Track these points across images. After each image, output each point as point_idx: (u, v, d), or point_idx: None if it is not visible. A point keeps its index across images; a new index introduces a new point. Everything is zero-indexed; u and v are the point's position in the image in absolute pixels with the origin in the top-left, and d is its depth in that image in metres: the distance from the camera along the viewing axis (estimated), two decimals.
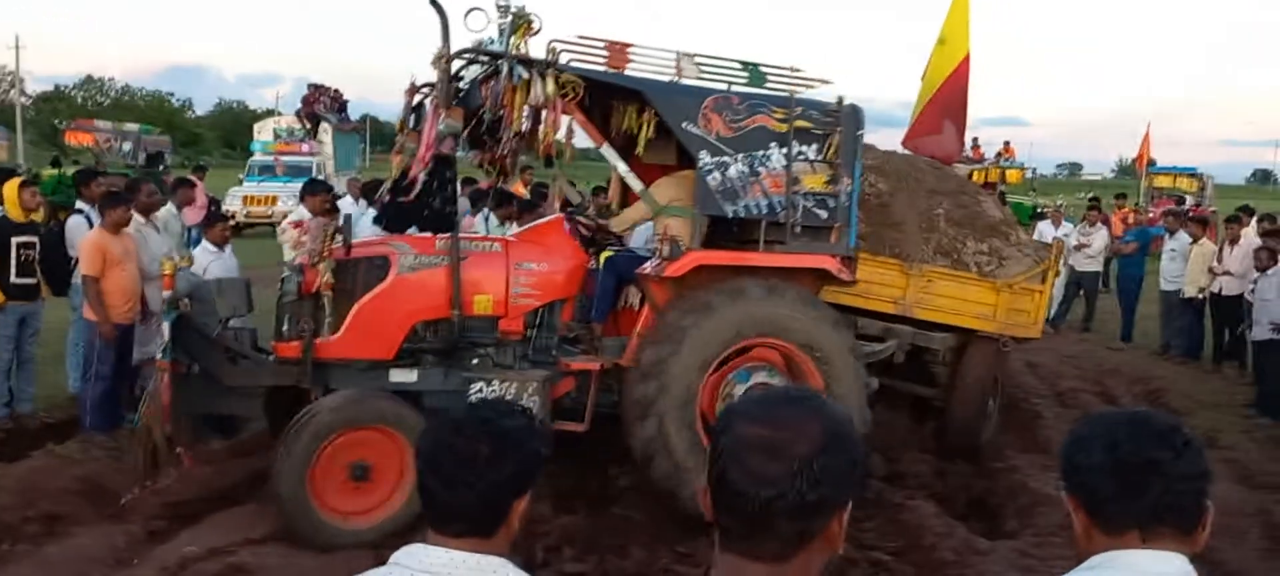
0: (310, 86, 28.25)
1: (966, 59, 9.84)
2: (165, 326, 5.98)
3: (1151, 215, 21.22)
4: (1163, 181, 28.31)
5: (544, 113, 6.05)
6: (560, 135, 6.21)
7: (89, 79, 68.46)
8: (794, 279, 6.65)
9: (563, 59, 6.15)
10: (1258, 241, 11.50)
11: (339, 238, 6.28)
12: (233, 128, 68.41)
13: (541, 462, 1.90)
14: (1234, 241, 11.88)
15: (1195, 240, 12.54)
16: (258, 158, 25.30)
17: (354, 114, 29.18)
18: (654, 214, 6.82)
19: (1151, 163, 28.31)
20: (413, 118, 6.77)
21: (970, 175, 16.08)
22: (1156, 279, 13.78)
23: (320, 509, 5.81)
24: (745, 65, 6.56)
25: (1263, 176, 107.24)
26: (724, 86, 6.45)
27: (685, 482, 6.13)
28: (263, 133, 26.76)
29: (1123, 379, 11.26)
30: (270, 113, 33.97)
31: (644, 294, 6.68)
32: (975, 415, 8.13)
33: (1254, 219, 13.94)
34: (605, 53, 6.24)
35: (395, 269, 6.36)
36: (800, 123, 6.51)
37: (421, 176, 5.93)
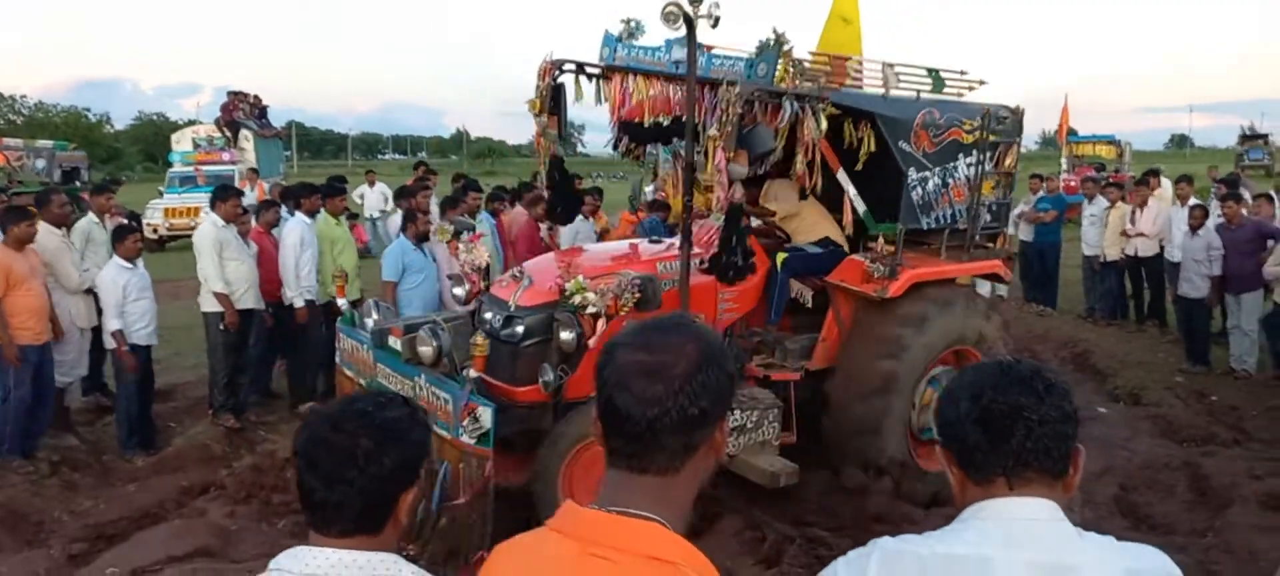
0: (230, 94, 27.75)
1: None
2: (486, 413, 5.02)
3: (1070, 182, 21.63)
4: (1084, 149, 28.95)
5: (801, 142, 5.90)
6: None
7: (0, 97, 66.21)
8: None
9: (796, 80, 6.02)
10: (1170, 203, 11.86)
11: (631, 295, 5.75)
12: (153, 140, 66.65)
13: (425, 452, 1.84)
14: (1143, 204, 12.22)
15: (1112, 204, 12.82)
16: (177, 169, 24.62)
17: (276, 120, 28.69)
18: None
19: (1072, 132, 28.90)
20: (550, 100, 6.63)
21: None
22: (1076, 246, 14.09)
23: None
24: (929, 72, 6.75)
25: (1180, 141, 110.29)
26: (914, 94, 6.66)
27: (913, 480, 6.51)
28: (181, 143, 26.04)
29: (1050, 344, 11.47)
30: (190, 123, 33.11)
31: (830, 299, 6.76)
32: None
33: (1166, 181, 14.32)
34: (830, 69, 6.28)
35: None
36: (985, 134, 6.82)
37: (716, 223, 5.78)
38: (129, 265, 7.63)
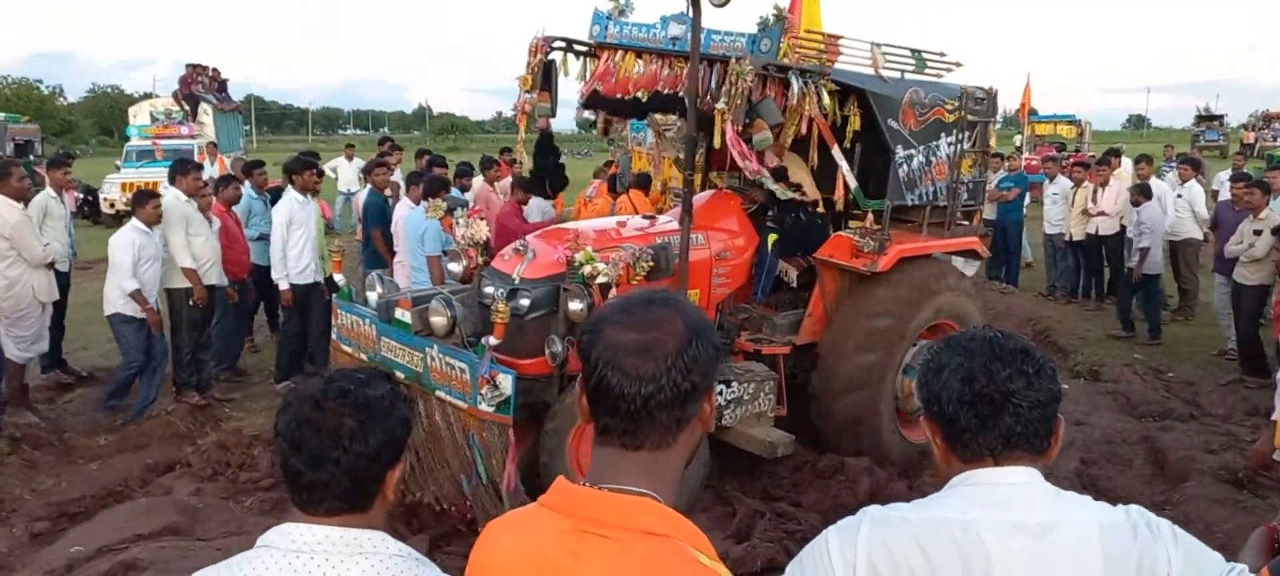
0: (188, 66, 27.37)
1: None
2: (506, 380, 5.06)
3: (1031, 161, 21.84)
4: (1044, 129, 29.24)
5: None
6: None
7: None
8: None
9: (795, 56, 6.18)
10: (1129, 182, 12.07)
11: (645, 264, 5.77)
12: (108, 113, 65.61)
13: (408, 429, 1.82)
14: (1104, 183, 12.39)
15: (1078, 184, 12.97)
16: (135, 142, 24.24)
17: (237, 94, 28.28)
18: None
19: (1033, 112, 29.16)
20: (542, 76, 6.61)
21: None
22: (1038, 223, 14.26)
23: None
24: (913, 52, 6.89)
25: (1137, 121, 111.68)
26: (899, 73, 6.77)
27: (894, 445, 6.75)
28: (139, 116, 25.62)
29: (1012, 321, 11.61)
30: (148, 96, 32.52)
31: (816, 277, 6.84)
32: None
33: (1127, 161, 14.49)
34: (823, 46, 6.40)
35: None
36: (964, 114, 6.99)
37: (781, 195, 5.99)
38: (147, 230, 7.60)
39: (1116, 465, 7.10)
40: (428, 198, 8.19)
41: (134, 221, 7.62)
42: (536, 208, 10.30)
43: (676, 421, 1.50)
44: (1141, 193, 11.17)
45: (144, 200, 7.70)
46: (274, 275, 8.63)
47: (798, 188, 6.88)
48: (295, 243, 8.51)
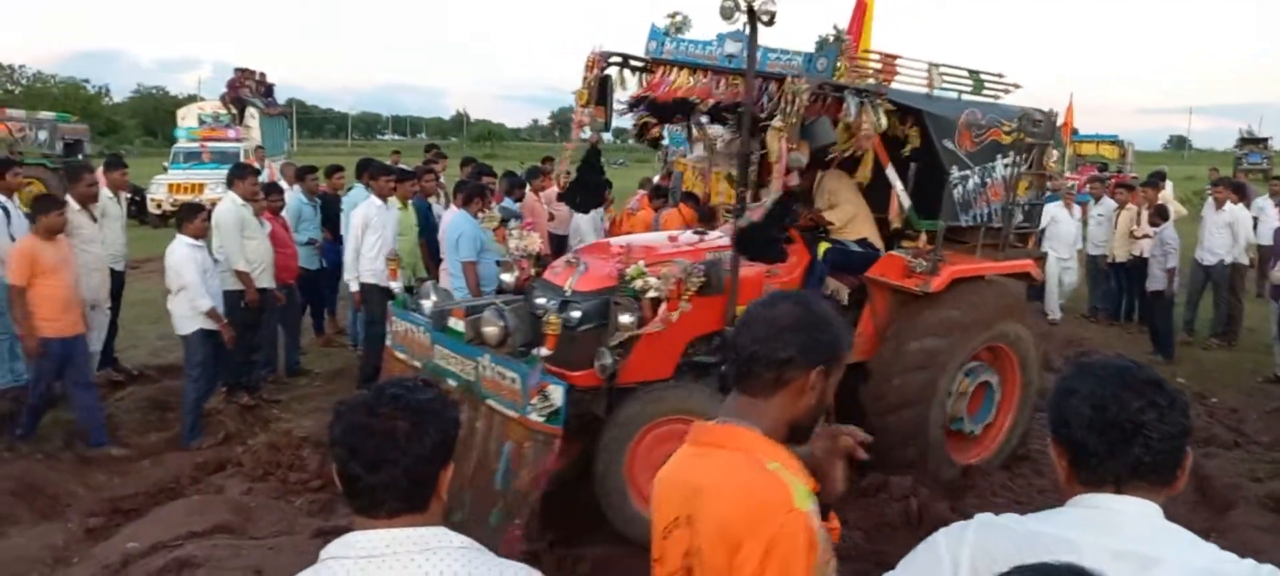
0: (236, 70, 27.62)
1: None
2: (557, 391, 5.07)
3: (1074, 180, 21.66)
4: (1087, 149, 29.00)
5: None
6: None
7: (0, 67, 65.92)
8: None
9: (852, 74, 6.20)
10: (1177, 206, 12.02)
11: (696, 280, 5.76)
12: (153, 114, 66.55)
13: (458, 429, 1.90)
14: (1150, 205, 12.30)
15: (1121, 206, 12.87)
16: (182, 144, 24.64)
17: (280, 97, 28.63)
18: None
19: (1075, 131, 28.93)
20: (598, 91, 6.66)
21: None
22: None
23: (640, 504, 5.50)
24: (970, 73, 6.90)
25: (1178, 142, 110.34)
26: (955, 94, 6.79)
27: (942, 465, 6.72)
28: (187, 119, 26.06)
29: (1055, 342, 11.53)
30: (193, 98, 33.05)
31: (866, 296, 6.84)
32: None
33: (1169, 183, 14.40)
34: (880, 65, 6.40)
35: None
36: (1022, 135, 6.94)
37: (768, 204, 5.78)
38: (198, 244, 7.49)
39: None
40: (464, 204, 8.31)
41: (183, 237, 7.45)
42: (583, 221, 10.38)
43: (774, 380, 2.01)
44: (1160, 214, 11.30)
45: (193, 214, 7.58)
46: (346, 276, 8.71)
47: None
48: (370, 246, 8.56)
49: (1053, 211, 12.39)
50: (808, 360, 2.00)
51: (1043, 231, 10.44)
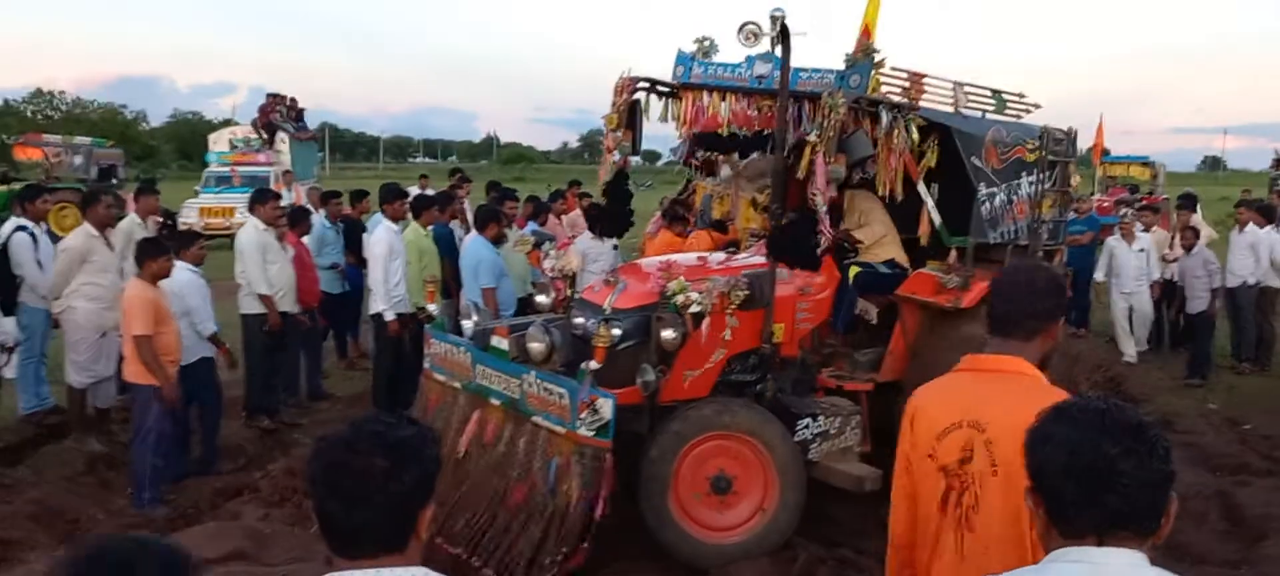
0: (268, 96, 27.80)
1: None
2: (607, 404, 5.05)
3: (1103, 203, 21.41)
4: (1117, 170, 28.66)
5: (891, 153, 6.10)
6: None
7: (38, 93, 66.84)
8: None
9: (882, 91, 6.23)
10: (1208, 229, 11.84)
11: (740, 293, 5.77)
12: (189, 139, 67.30)
13: (439, 468, 1.84)
14: (1184, 228, 12.07)
15: (1147, 228, 12.66)
16: (213, 168, 24.95)
17: (311, 122, 28.92)
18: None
19: (1106, 152, 28.61)
20: (627, 115, 6.71)
21: None
22: None
23: (685, 522, 5.55)
24: (993, 93, 7.02)
25: (1212, 163, 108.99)
26: (979, 114, 6.87)
27: None
28: (218, 143, 26.38)
29: (1084, 366, 11.36)
30: (226, 123, 33.39)
31: (897, 314, 6.81)
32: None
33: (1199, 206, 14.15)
34: (908, 83, 6.43)
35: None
36: (1045, 153, 6.99)
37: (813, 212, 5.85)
38: (196, 270, 7.39)
39: (1190, 520, 6.86)
40: (479, 228, 8.32)
41: (183, 264, 7.17)
42: (598, 248, 10.30)
43: (1033, 329, 2.62)
44: (1194, 235, 11.35)
45: (190, 241, 7.46)
46: (376, 306, 8.52)
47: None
48: (395, 272, 8.45)
49: (1112, 245, 12.22)
50: (1058, 314, 2.67)
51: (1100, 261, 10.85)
